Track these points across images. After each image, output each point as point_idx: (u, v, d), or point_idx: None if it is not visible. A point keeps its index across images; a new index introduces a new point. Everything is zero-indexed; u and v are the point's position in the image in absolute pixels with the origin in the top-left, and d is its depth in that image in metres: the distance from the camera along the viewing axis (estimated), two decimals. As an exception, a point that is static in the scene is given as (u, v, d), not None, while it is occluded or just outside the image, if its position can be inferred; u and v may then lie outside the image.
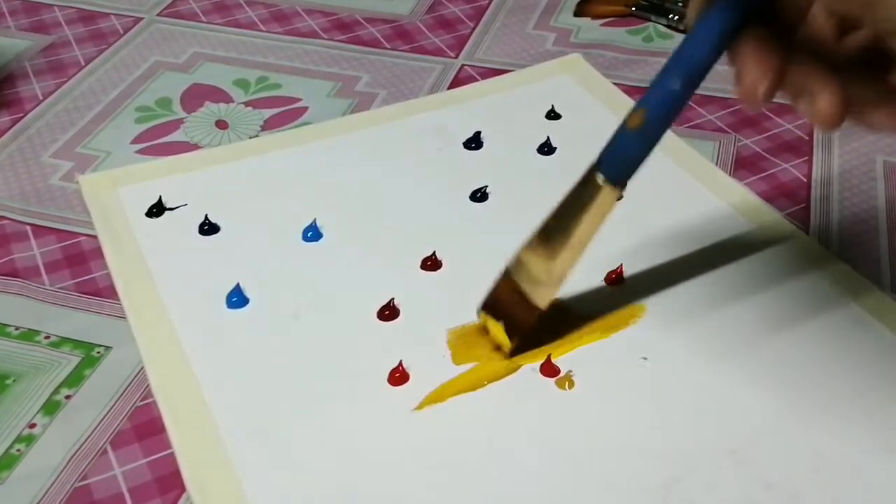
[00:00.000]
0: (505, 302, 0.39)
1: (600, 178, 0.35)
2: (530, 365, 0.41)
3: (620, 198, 0.36)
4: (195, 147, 0.55)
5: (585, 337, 0.42)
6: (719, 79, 0.61)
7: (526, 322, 0.39)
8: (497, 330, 0.40)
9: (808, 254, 0.47)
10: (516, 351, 0.40)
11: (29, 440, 0.38)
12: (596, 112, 0.57)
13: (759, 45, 0.31)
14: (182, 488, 0.37)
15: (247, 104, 0.59)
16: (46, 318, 0.44)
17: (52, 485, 0.37)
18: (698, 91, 0.60)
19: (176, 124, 0.57)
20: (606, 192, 0.35)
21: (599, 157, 0.36)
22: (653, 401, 0.40)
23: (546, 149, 0.54)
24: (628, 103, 0.58)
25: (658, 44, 0.66)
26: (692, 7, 0.33)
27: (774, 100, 0.62)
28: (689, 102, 0.59)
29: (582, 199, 0.36)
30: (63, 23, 0.67)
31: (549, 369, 0.41)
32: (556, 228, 0.37)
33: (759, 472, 0.37)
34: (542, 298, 0.38)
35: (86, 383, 0.41)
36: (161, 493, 0.37)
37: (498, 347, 0.41)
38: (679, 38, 0.66)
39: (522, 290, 0.38)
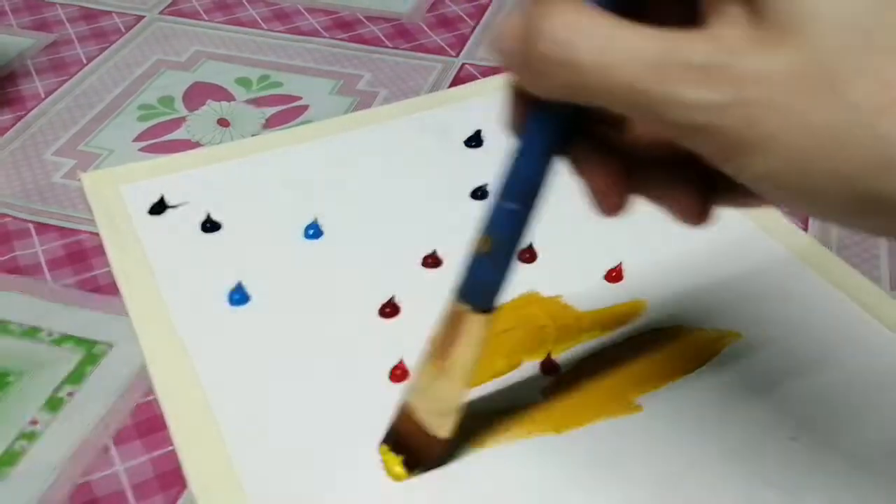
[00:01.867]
0: (404, 434, 0.37)
1: (466, 308, 0.33)
2: (530, 362, 0.41)
3: (490, 318, 0.34)
4: (197, 145, 0.55)
5: (586, 334, 0.42)
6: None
7: (428, 454, 0.36)
8: (393, 462, 0.37)
9: (807, 253, 0.47)
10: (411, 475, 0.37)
11: (31, 437, 0.39)
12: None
13: (594, 155, 0.29)
14: (184, 485, 0.37)
15: (248, 102, 0.59)
16: (48, 316, 0.44)
17: (54, 481, 0.37)
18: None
19: (178, 122, 0.57)
20: (475, 320, 0.33)
21: (459, 287, 0.33)
22: (653, 398, 0.40)
23: (547, 147, 0.54)
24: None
25: (659, 42, 0.66)
26: (508, 115, 0.29)
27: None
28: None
29: (453, 328, 0.34)
30: (65, 21, 0.68)
31: (548, 367, 0.41)
32: (438, 359, 0.35)
33: (759, 470, 0.37)
34: (441, 428, 0.36)
35: (88, 380, 0.41)
36: (163, 489, 0.37)
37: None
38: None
39: (420, 421, 0.36)
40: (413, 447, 0.36)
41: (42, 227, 0.49)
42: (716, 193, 0.28)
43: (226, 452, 0.37)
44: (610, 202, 0.29)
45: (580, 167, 0.30)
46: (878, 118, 0.21)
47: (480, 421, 0.39)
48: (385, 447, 0.37)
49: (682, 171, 0.28)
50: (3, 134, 0.56)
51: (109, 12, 0.69)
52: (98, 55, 0.64)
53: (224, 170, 0.53)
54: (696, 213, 0.29)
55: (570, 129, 0.29)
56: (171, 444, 0.38)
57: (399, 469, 0.36)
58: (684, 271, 0.46)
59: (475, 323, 0.33)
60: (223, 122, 0.57)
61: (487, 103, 0.58)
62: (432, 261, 0.46)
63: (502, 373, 0.41)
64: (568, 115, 0.28)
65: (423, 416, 0.36)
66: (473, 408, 0.39)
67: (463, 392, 0.35)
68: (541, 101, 0.27)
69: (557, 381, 0.40)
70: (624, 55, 0.23)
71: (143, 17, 0.68)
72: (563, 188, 0.52)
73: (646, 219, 0.49)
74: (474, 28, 0.67)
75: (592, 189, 0.30)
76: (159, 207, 0.49)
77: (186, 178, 0.52)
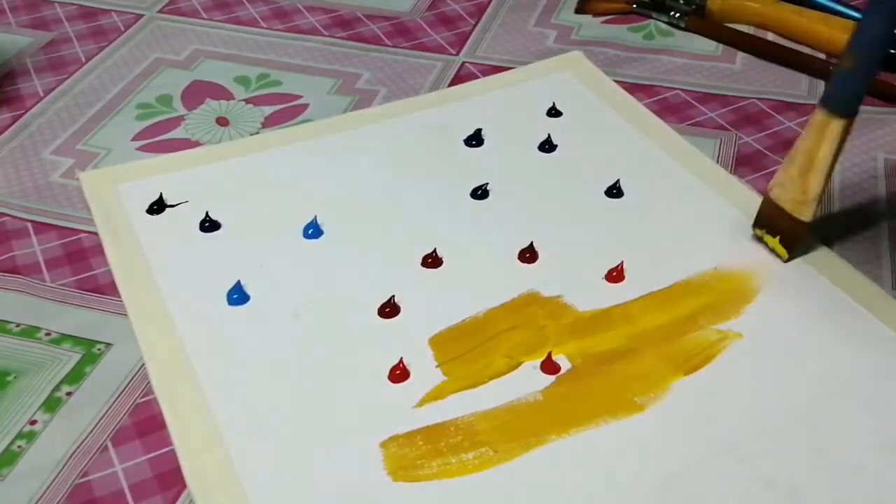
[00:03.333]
0: (774, 220, 0.46)
1: (832, 115, 0.42)
2: (531, 363, 0.41)
3: (851, 122, 0.43)
4: (196, 144, 0.55)
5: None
6: (720, 76, 0.62)
7: (795, 234, 0.45)
8: (774, 243, 0.46)
9: (808, 251, 0.47)
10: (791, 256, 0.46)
11: (30, 437, 0.38)
12: (597, 109, 0.57)
13: None
14: (183, 485, 0.37)
15: (247, 101, 0.59)
16: (47, 315, 0.44)
17: (52, 481, 0.37)
18: (699, 89, 0.60)
19: (177, 121, 0.57)
20: (839, 123, 0.42)
21: (827, 98, 0.42)
22: (653, 398, 0.40)
23: (547, 146, 0.54)
24: (629, 100, 0.58)
25: (659, 41, 0.66)
26: None
27: (775, 97, 0.62)
28: (690, 100, 0.59)
29: (819, 132, 0.43)
30: (64, 19, 0.67)
31: (549, 367, 0.41)
32: (800, 159, 0.44)
33: (758, 470, 0.37)
34: (804, 214, 0.44)
35: (86, 380, 0.41)
36: (162, 489, 0.37)
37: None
38: (680, 35, 0.66)
39: (784, 209, 0.45)
40: (783, 229, 0.45)
41: (40, 227, 0.49)
42: None
43: (225, 452, 0.37)
44: None
45: None
46: None
47: (481, 421, 0.39)
48: (761, 231, 0.46)
49: None
50: (1, 133, 0.56)
51: (108, 11, 0.68)
52: (97, 54, 0.64)
53: (223, 169, 0.52)
54: None
55: None
56: (170, 444, 0.38)
57: (781, 248, 0.45)
58: (684, 272, 0.45)
59: (839, 125, 0.42)
60: (222, 121, 0.57)
61: (487, 102, 0.58)
62: (432, 260, 0.46)
63: (502, 373, 0.41)
64: None
65: (787, 205, 0.45)
66: (474, 407, 0.39)
67: (823, 184, 0.43)
68: None
69: (557, 381, 0.40)
70: None
71: (142, 15, 0.68)
72: (564, 188, 0.52)
73: (648, 218, 0.49)
74: (474, 27, 0.67)
75: None
76: (158, 207, 0.49)
77: (185, 178, 0.51)
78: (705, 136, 0.56)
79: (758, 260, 0.46)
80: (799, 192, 0.44)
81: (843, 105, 0.42)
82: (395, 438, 0.38)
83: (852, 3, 0.66)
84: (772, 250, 0.46)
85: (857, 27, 0.41)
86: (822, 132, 0.43)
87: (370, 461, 0.37)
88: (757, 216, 0.47)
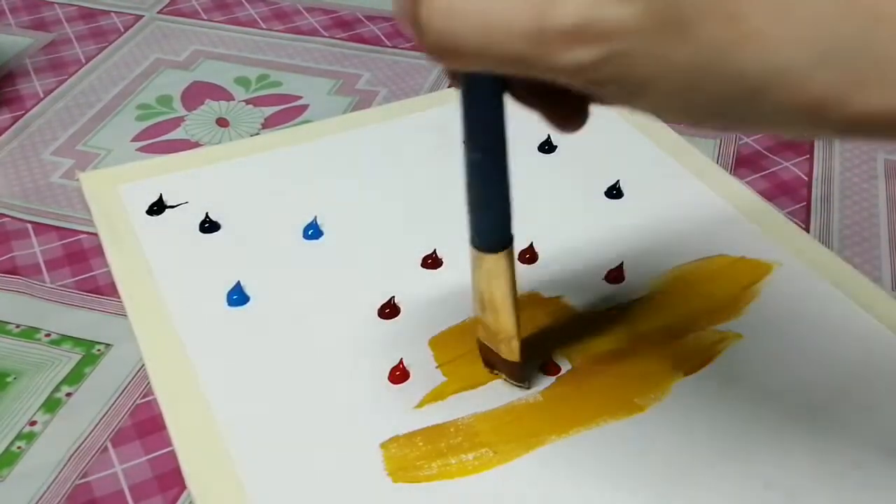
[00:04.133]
0: (493, 360, 0.40)
1: (480, 252, 0.37)
2: (531, 363, 0.41)
3: (503, 255, 0.37)
4: (196, 145, 0.55)
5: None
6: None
7: (514, 371, 0.40)
8: (505, 378, 0.40)
9: (807, 253, 0.47)
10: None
11: (29, 437, 0.38)
12: (596, 109, 0.57)
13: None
14: (182, 486, 0.37)
15: (247, 102, 0.59)
16: (47, 316, 0.44)
17: (52, 482, 0.37)
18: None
19: (176, 122, 0.57)
20: (490, 259, 0.37)
21: (470, 236, 0.37)
22: (653, 399, 0.40)
23: (547, 147, 0.54)
24: (629, 101, 0.58)
25: (659, 42, 0.66)
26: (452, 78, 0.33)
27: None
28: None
29: (478, 271, 0.38)
30: (64, 20, 0.67)
31: (549, 367, 0.41)
32: (482, 301, 0.38)
33: (758, 470, 0.37)
34: (510, 354, 0.39)
35: (86, 381, 0.41)
36: (161, 490, 0.37)
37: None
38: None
39: (496, 350, 0.39)
40: (504, 368, 0.40)
41: (40, 228, 0.49)
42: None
43: (225, 453, 0.37)
44: (565, 124, 0.32)
45: (522, 102, 0.32)
46: (732, 53, 0.22)
47: (481, 422, 0.39)
48: (489, 371, 0.41)
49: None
50: (1, 134, 0.56)
51: (108, 12, 0.68)
52: (97, 55, 0.64)
53: (223, 170, 0.52)
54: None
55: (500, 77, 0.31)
56: (170, 445, 0.38)
57: (513, 382, 0.40)
58: (685, 272, 0.45)
59: (491, 262, 0.37)
60: (222, 122, 0.57)
61: (487, 103, 0.58)
62: (432, 261, 0.46)
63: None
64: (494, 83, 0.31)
65: (494, 346, 0.39)
66: (474, 408, 0.39)
67: (511, 320, 0.38)
68: None
69: (557, 381, 0.40)
70: (501, 29, 0.23)
71: (142, 16, 0.68)
72: (564, 188, 0.52)
73: (647, 218, 0.49)
74: (474, 27, 0.67)
75: (546, 117, 0.32)
76: (158, 207, 0.49)
77: (185, 178, 0.51)
78: (705, 137, 0.56)
79: (758, 260, 0.46)
80: (496, 333, 0.39)
81: (485, 241, 0.37)
82: (395, 439, 0.38)
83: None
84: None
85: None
86: (482, 271, 0.37)
87: (370, 462, 0.37)
88: (483, 357, 0.41)
